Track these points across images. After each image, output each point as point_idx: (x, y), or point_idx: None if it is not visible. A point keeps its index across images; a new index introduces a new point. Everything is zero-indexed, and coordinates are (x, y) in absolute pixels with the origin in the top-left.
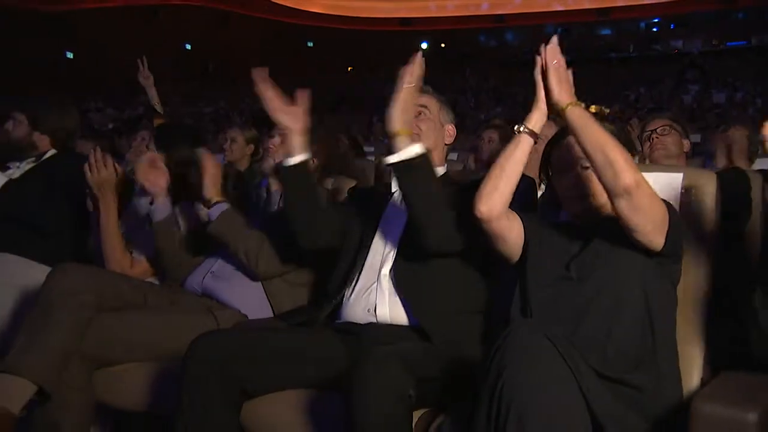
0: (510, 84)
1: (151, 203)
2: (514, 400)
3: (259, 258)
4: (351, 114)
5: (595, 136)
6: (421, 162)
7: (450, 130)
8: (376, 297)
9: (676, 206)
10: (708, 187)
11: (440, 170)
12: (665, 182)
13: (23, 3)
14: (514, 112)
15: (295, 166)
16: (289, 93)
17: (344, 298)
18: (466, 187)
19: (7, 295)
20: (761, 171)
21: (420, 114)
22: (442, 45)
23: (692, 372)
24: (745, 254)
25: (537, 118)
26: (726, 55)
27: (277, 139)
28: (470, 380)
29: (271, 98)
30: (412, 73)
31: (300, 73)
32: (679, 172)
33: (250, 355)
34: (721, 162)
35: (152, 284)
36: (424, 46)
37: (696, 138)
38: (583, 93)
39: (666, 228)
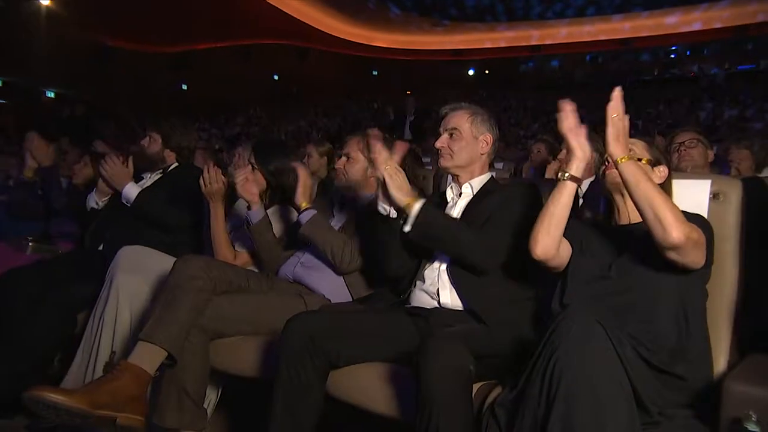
0: (545, 104)
1: (249, 209)
2: (565, 377)
3: (344, 256)
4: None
5: (645, 193)
6: (425, 216)
7: (486, 139)
8: (439, 288)
9: (705, 211)
10: (734, 193)
11: (483, 177)
12: (695, 189)
13: (152, 47)
14: (549, 129)
15: (392, 217)
16: (357, 113)
17: (413, 289)
18: (511, 192)
19: (141, 278)
20: None
21: (451, 136)
22: (486, 71)
23: (719, 356)
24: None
25: (577, 165)
26: (737, 77)
27: (342, 160)
28: (524, 358)
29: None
30: (383, 159)
31: (367, 96)
32: (707, 179)
33: (336, 332)
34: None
35: (253, 272)
36: (471, 72)
37: None
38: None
39: (705, 251)
